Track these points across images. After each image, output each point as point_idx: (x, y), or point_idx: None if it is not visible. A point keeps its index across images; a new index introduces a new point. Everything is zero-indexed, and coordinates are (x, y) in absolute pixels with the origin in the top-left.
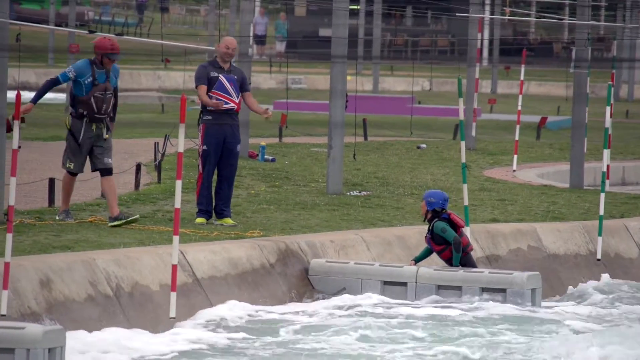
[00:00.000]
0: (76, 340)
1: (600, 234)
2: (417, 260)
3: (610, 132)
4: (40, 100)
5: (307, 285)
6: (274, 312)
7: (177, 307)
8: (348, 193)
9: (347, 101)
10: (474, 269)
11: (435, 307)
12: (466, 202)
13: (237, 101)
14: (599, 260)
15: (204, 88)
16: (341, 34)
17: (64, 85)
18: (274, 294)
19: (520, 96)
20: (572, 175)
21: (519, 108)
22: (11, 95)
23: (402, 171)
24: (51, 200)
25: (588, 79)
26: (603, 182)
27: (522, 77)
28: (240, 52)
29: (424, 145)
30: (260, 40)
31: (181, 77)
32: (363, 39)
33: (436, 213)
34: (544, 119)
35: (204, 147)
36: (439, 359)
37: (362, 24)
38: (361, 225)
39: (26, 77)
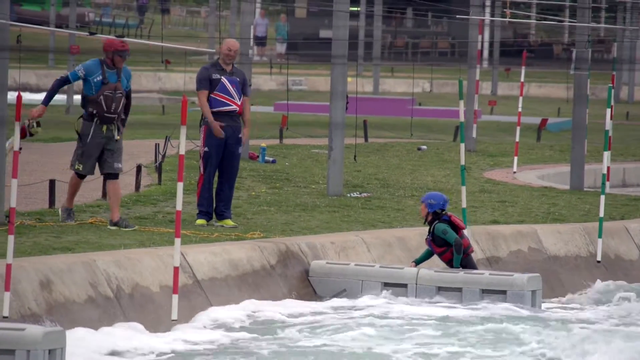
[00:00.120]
0: (76, 341)
1: (600, 236)
2: (418, 262)
3: (610, 134)
4: (40, 101)
5: (307, 286)
6: (275, 311)
7: (178, 309)
8: (348, 194)
9: (347, 102)
10: (475, 271)
11: (436, 306)
12: (464, 205)
13: (238, 103)
14: (599, 262)
15: (204, 94)
16: (342, 36)
17: (65, 87)
18: (274, 296)
19: (521, 98)
20: (572, 176)
21: (520, 110)
22: (12, 96)
23: (402, 173)
24: (51, 202)
25: (588, 80)
26: (603, 184)
27: (522, 79)
28: (241, 54)
29: (424, 147)
30: (260, 41)
31: (182, 79)
32: (363, 40)
33: (437, 215)
34: (544, 121)
35: (205, 148)
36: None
37: (362, 26)
38: (361, 226)
39: (27, 79)
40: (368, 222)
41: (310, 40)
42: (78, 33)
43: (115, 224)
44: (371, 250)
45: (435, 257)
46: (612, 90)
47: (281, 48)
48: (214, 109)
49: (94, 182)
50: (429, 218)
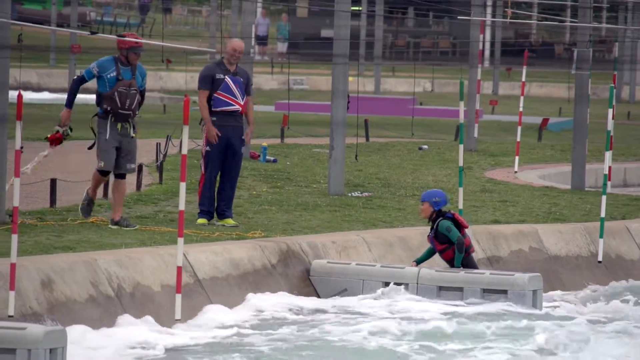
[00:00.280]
0: (77, 340)
1: (601, 236)
2: (419, 261)
3: (612, 134)
4: (41, 100)
5: (308, 286)
6: (277, 309)
7: (179, 308)
8: (349, 194)
9: (348, 102)
10: (476, 270)
11: (437, 304)
12: (461, 206)
13: (241, 103)
14: (600, 262)
15: (204, 93)
16: (343, 35)
17: (65, 85)
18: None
19: (522, 97)
20: (573, 176)
21: (521, 109)
22: (13, 95)
23: (403, 172)
24: (53, 201)
25: (589, 80)
26: (605, 184)
27: (523, 79)
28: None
29: (425, 147)
30: (262, 41)
31: (183, 78)
32: (365, 40)
33: (440, 212)
34: (545, 121)
35: (207, 148)
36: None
37: (363, 25)
38: (362, 226)
39: (28, 78)
40: (369, 221)
41: (312, 40)
42: (79, 32)
43: (116, 223)
44: (372, 250)
45: (436, 257)
46: (614, 91)
47: (282, 47)
48: (217, 109)
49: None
50: (433, 216)
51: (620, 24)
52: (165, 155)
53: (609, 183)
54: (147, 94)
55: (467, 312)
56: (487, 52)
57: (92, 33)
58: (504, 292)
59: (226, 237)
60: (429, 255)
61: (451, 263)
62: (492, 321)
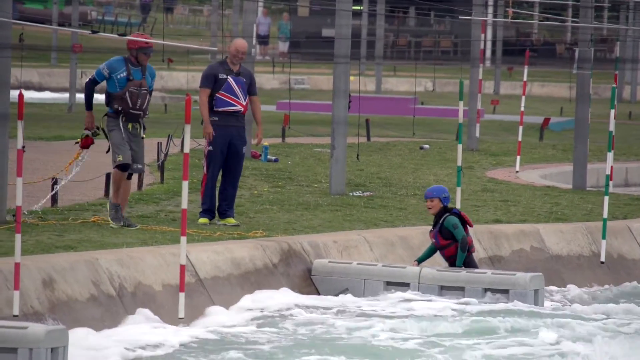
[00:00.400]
0: (79, 339)
1: (604, 237)
2: (420, 260)
3: (613, 134)
4: (43, 100)
5: (310, 285)
6: (278, 308)
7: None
8: (351, 193)
9: (350, 101)
10: (477, 270)
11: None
12: (459, 205)
13: (244, 104)
14: (602, 263)
15: (205, 92)
16: (344, 35)
17: (66, 84)
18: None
19: (523, 97)
20: (575, 176)
21: (522, 109)
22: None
23: (405, 172)
24: (54, 200)
25: (591, 80)
26: (607, 185)
27: (525, 78)
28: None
29: (427, 146)
30: (263, 40)
31: (184, 77)
32: (366, 39)
33: (446, 208)
34: (546, 120)
35: (210, 147)
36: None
37: (365, 25)
38: (364, 225)
39: (29, 77)
40: (370, 221)
41: (313, 39)
42: (80, 31)
43: (115, 206)
44: (374, 249)
45: (436, 256)
46: (616, 91)
47: (284, 47)
48: (219, 109)
49: (95, 181)
50: (440, 211)
51: (621, 23)
52: (166, 155)
53: (610, 183)
54: None
55: (470, 310)
56: (488, 52)
57: (94, 32)
58: (506, 291)
59: (228, 237)
60: (430, 253)
61: (452, 260)
62: (494, 320)
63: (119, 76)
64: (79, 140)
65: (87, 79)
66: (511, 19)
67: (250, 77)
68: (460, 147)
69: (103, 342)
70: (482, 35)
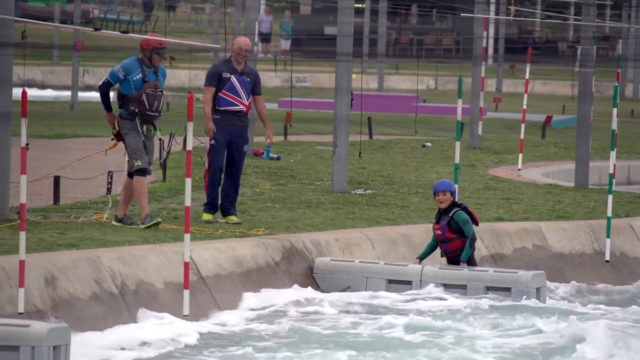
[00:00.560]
0: (81, 337)
1: (608, 236)
2: (422, 257)
3: (616, 132)
4: (45, 97)
5: (312, 283)
6: (281, 306)
7: (181, 305)
8: (353, 191)
9: (352, 99)
10: (479, 268)
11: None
12: None
13: (246, 103)
14: (607, 261)
15: (210, 90)
16: (346, 32)
17: (69, 82)
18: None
19: (526, 95)
20: (577, 174)
21: (524, 107)
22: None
23: (407, 170)
24: (56, 198)
25: (593, 77)
26: (610, 183)
27: (527, 76)
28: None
29: (429, 144)
30: (265, 38)
31: (186, 75)
32: (368, 37)
33: (455, 202)
34: (549, 118)
35: (212, 141)
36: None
37: (367, 22)
38: (366, 223)
39: (31, 75)
40: (372, 219)
41: (315, 37)
42: (83, 29)
43: (119, 220)
44: (376, 247)
45: (436, 253)
46: (618, 89)
47: (286, 45)
48: (221, 108)
49: (97, 179)
50: (450, 205)
51: (624, 21)
52: (168, 153)
53: (613, 181)
54: None
55: (472, 307)
56: (490, 50)
57: (96, 29)
58: (508, 289)
59: (230, 235)
60: (431, 250)
61: (452, 255)
62: (496, 319)
63: (134, 78)
64: (113, 137)
65: (101, 82)
66: (513, 16)
67: (255, 76)
68: (458, 144)
69: (105, 340)
70: (485, 33)
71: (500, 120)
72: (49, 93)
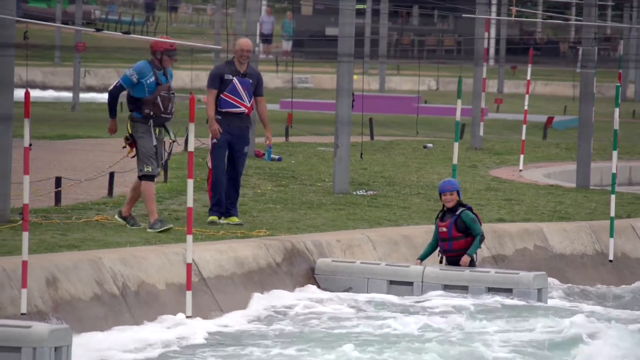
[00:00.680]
0: (82, 338)
1: (611, 236)
2: (422, 257)
3: (618, 132)
4: (46, 99)
5: (313, 284)
6: (282, 306)
7: (183, 306)
8: (354, 192)
9: (353, 100)
10: (481, 269)
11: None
12: None
13: (248, 105)
14: (611, 261)
15: (212, 92)
16: (348, 33)
17: (70, 83)
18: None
19: (527, 96)
20: (578, 175)
21: (526, 108)
22: (18, 93)
23: (408, 171)
24: (58, 199)
25: (595, 78)
26: (613, 183)
27: (528, 77)
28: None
29: (430, 145)
30: (266, 39)
31: (188, 76)
32: (369, 38)
33: (461, 202)
34: (550, 119)
35: (214, 140)
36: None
37: (368, 23)
38: (367, 224)
39: (32, 76)
40: (374, 220)
41: (316, 38)
42: (84, 30)
43: (123, 218)
44: (377, 248)
45: (436, 253)
46: (620, 89)
47: (287, 45)
48: (223, 109)
49: (99, 180)
50: (456, 204)
51: (625, 22)
52: (169, 154)
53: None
54: None
55: (474, 307)
56: (492, 50)
57: (97, 30)
58: (509, 290)
59: (231, 236)
60: (431, 250)
61: (455, 254)
62: (498, 319)
63: (148, 81)
64: (125, 145)
65: (112, 86)
66: (514, 17)
67: (257, 78)
68: (456, 145)
69: (106, 341)
70: (486, 34)
71: (501, 121)
72: (50, 94)
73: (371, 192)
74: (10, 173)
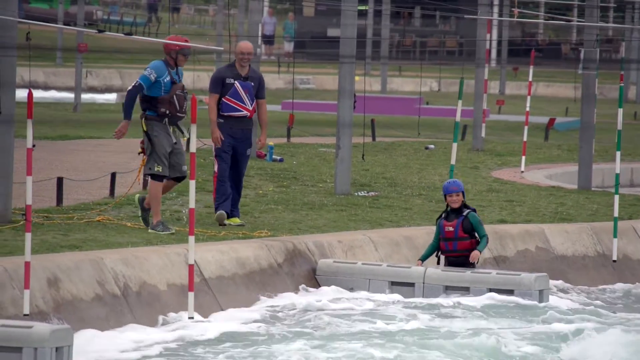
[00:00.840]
0: (84, 339)
1: (615, 236)
2: (424, 258)
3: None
4: (47, 99)
5: (314, 285)
6: (283, 306)
7: (184, 307)
8: (356, 193)
9: (355, 101)
10: (482, 270)
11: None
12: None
13: (250, 108)
14: (614, 261)
15: (214, 97)
16: (349, 34)
17: (72, 84)
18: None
19: (529, 97)
20: (580, 176)
21: (527, 109)
22: (20, 94)
23: (410, 172)
24: (59, 200)
25: (596, 80)
26: (617, 183)
27: (530, 78)
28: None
29: (432, 146)
30: (268, 40)
31: (190, 77)
32: (371, 39)
33: (465, 203)
34: (552, 120)
35: (218, 145)
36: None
37: (370, 24)
38: (369, 225)
39: (34, 77)
40: (375, 221)
41: (318, 39)
42: (86, 30)
43: (142, 208)
44: (378, 249)
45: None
46: (623, 89)
47: (289, 47)
48: (225, 113)
49: (101, 180)
50: (461, 206)
51: (627, 23)
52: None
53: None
54: None
55: (476, 307)
56: (494, 52)
57: (100, 32)
58: (511, 291)
59: (232, 236)
60: (433, 250)
61: (458, 254)
62: (499, 319)
63: (165, 80)
64: (141, 150)
65: (131, 86)
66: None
67: (259, 80)
68: (455, 145)
69: (108, 342)
70: (488, 35)
71: (503, 123)
72: (52, 94)
73: (373, 193)
74: (12, 173)
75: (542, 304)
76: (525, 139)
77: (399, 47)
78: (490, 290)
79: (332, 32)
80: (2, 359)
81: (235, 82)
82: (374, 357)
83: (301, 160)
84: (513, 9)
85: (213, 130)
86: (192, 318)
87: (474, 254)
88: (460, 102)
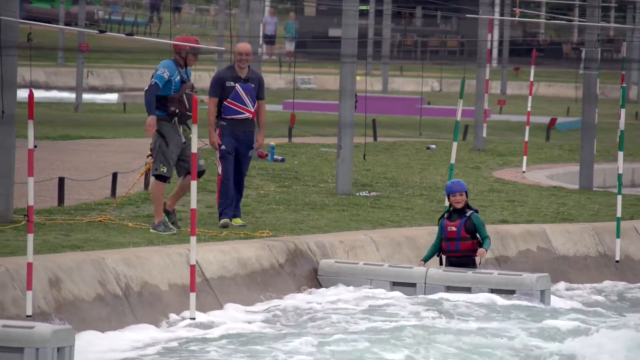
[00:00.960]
0: (85, 339)
1: (618, 236)
2: (426, 259)
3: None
4: (49, 99)
5: (316, 285)
6: (285, 304)
7: (186, 307)
8: (357, 193)
9: (356, 101)
10: (483, 270)
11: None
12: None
13: (252, 110)
14: (617, 261)
15: (213, 101)
16: (351, 34)
17: (73, 84)
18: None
19: (530, 97)
20: (581, 176)
21: (529, 109)
22: (21, 94)
23: (411, 172)
24: (61, 200)
25: (598, 80)
26: (620, 184)
27: (531, 78)
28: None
29: (433, 146)
30: (269, 40)
31: (191, 77)
32: (373, 39)
33: (468, 204)
34: (553, 120)
35: (222, 146)
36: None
37: (371, 24)
38: (370, 225)
39: (36, 76)
40: (377, 221)
41: (319, 39)
42: (87, 31)
43: (166, 212)
44: (380, 250)
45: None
46: (625, 90)
47: (290, 46)
48: (227, 116)
49: (102, 180)
50: (465, 206)
51: (628, 23)
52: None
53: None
54: None
55: (477, 307)
56: (495, 52)
57: (101, 32)
58: (512, 292)
59: (234, 237)
60: (435, 251)
61: (460, 254)
62: (500, 319)
63: (175, 79)
64: (150, 154)
65: (149, 85)
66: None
67: (259, 81)
68: (455, 144)
69: (109, 342)
70: (489, 35)
71: (504, 123)
72: (53, 94)
73: (374, 193)
74: (13, 173)
75: (544, 305)
76: (526, 139)
77: (400, 47)
78: (492, 290)
79: (333, 32)
80: (4, 359)
81: (236, 85)
82: (376, 357)
83: (302, 160)
84: (514, 9)
85: (211, 135)
86: (194, 318)
87: (481, 251)
88: (460, 101)
